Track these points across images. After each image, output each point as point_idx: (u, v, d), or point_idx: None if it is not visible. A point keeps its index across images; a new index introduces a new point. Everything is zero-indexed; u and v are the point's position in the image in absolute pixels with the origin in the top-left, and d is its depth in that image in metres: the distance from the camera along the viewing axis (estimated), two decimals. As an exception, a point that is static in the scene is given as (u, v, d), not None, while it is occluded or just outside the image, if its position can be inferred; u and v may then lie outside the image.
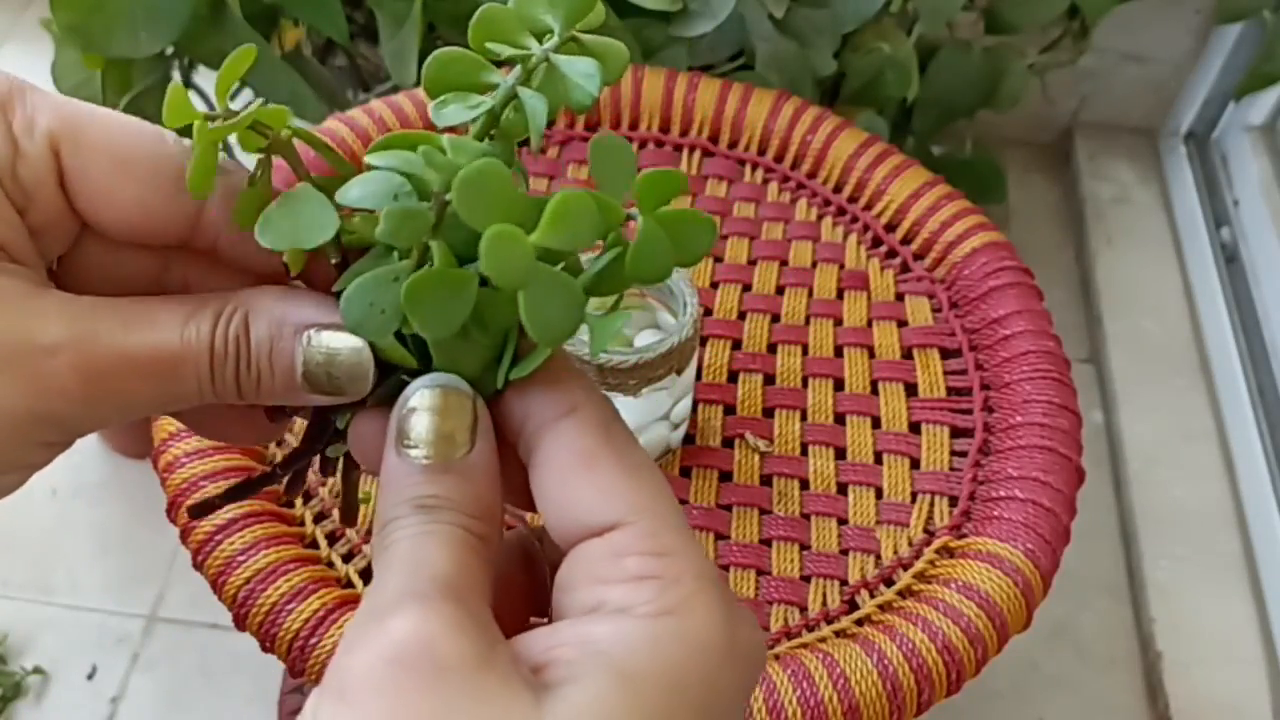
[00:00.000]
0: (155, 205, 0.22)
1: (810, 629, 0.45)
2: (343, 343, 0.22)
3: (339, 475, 0.27)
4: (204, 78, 0.98)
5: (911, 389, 0.53)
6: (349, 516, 0.28)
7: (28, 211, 0.21)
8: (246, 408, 0.24)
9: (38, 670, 0.91)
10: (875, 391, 0.53)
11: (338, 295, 0.22)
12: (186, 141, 0.23)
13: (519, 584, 0.24)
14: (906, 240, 0.60)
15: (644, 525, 0.20)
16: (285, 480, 0.27)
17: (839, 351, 0.55)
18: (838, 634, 0.44)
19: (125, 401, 0.21)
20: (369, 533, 0.47)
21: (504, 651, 0.19)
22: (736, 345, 0.55)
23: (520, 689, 0.18)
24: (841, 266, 0.59)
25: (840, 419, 0.52)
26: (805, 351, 0.55)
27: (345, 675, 0.18)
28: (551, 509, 0.21)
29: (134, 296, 0.22)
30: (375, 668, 0.18)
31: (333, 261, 0.23)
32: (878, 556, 0.47)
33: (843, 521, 0.49)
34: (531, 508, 0.22)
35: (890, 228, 0.60)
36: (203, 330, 0.22)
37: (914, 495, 0.49)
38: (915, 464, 0.50)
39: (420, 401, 0.21)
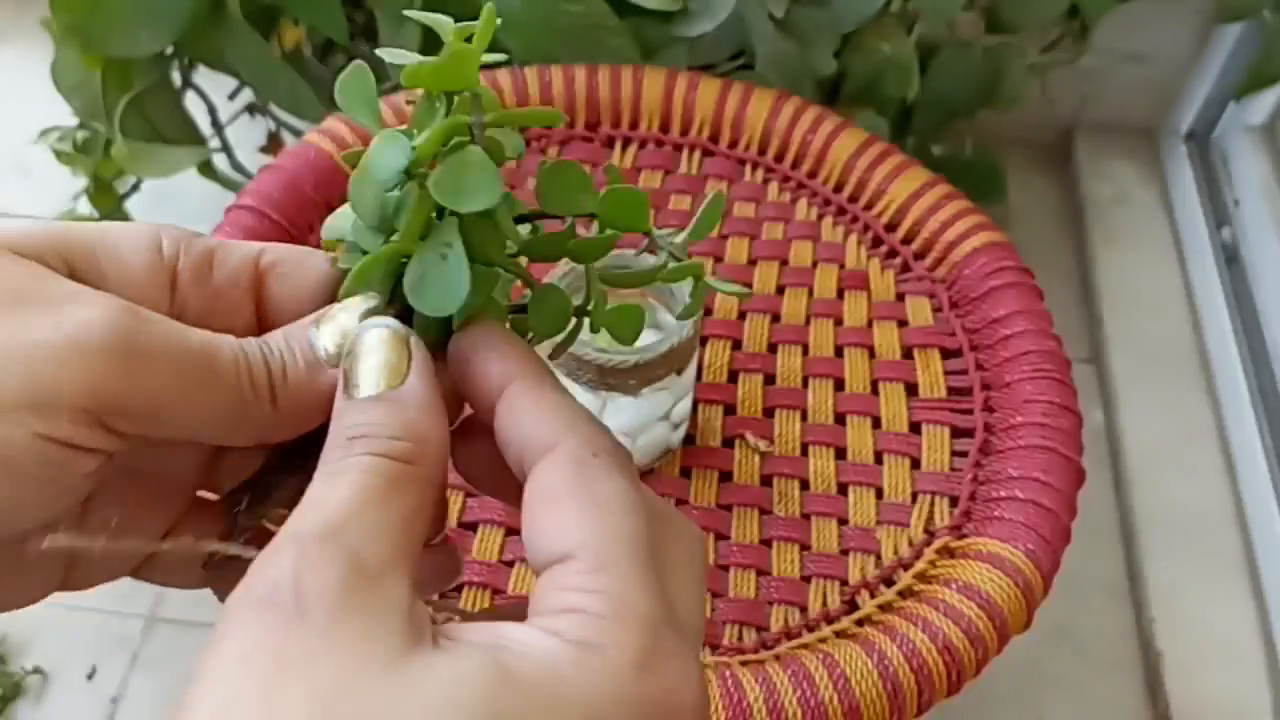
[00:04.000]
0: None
1: (810, 629, 0.45)
2: (349, 305, 0.24)
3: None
4: (204, 77, 0.98)
5: (912, 389, 0.53)
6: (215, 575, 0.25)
7: (216, 306, 0.24)
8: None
9: (37, 670, 0.91)
10: (875, 391, 0.53)
11: None
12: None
13: None
14: (907, 240, 0.60)
15: (586, 561, 0.20)
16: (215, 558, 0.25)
17: (839, 351, 0.55)
18: (838, 634, 0.44)
19: (163, 383, 0.21)
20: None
21: (383, 595, 0.19)
22: (736, 345, 0.55)
23: (381, 642, 0.18)
24: (842, 266, 0.59)
25: (840, 419, 0.52)
26: (805, 351, 0.55)
27: (223, 612, 0.19)
28: (526, 539, 0.21)
29: None
30: (243, 606, 0.18)
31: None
32: (878, 557, 0.47)
33: (843, 522, 0.48)
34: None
35: (890, 227, 0.60)
36: (229, 338, 0.23)
37: (914, 495, 0.49)
38: (916, 464, 0.50)
39: (359, 345, 0.23)
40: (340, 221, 0.24)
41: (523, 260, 0.26)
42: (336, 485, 0.20)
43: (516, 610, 0.21)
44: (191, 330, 0.22)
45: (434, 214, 0.23)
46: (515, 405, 0.23)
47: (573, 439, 0.22)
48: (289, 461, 0.25)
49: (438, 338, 0.24)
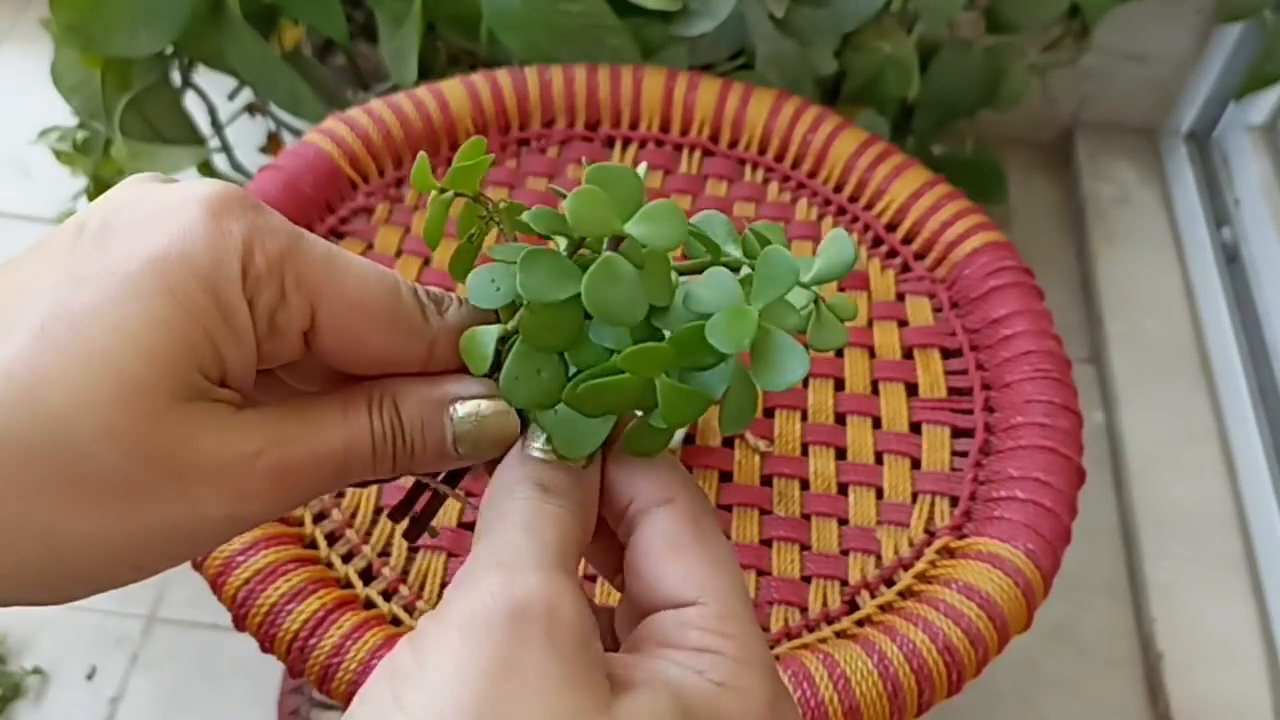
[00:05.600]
0: (391, 354, 0.25)
1: (810, 629, 0.45)
2: (492, 409, 0.25)
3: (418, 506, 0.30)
4: (203, 77, 0.98)
5: (912, 389, 0.53)
6: (414, 533, 0.30)
7: (267, 345, 0.24)
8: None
9: (37, 670, 0.91)
10: (876, 391, 0.53)
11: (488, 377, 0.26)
12: (413, 286, 0.26)
13: None
14: (907, 240, 0.60)
15: (713, 608, 0.23)
16: (406, 527, 0.30)
17: (839, 351, 0.55)
18: (838, 634, 0.44)
19: (307, 493, 0.24)
20: (368, 533, 0.47)
21: (598, 639, 0.22)
22: (737, 345, 0.55)
23: (602, 677, 0.21)
24: (842, 266, 0.59)
25: (841, 419, 0.52)
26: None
27: (462, 609, 0.21)
28: (637, 581, 0.24)
29: (301, 398, 0.25)
30: (497, 611, 0.20)
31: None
32: (878, 557, 0.47)
33: (843, 522, 0.48)
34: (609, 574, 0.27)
35: (891, 227, 0.60)
36: (361, 421, 0.24)
37: (914, 495, 0.49)
38: (916, 464, 0.50)
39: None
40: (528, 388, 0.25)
41: None
42: (550, 523, 0.23)
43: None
44: (325, 438, 0.24)
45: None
46: (628, 460, 0.26)
47: (687, 496, 0.25)
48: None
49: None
